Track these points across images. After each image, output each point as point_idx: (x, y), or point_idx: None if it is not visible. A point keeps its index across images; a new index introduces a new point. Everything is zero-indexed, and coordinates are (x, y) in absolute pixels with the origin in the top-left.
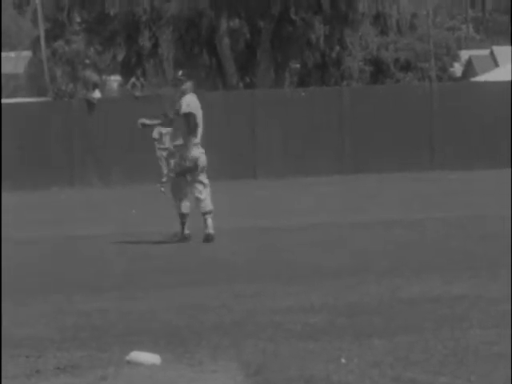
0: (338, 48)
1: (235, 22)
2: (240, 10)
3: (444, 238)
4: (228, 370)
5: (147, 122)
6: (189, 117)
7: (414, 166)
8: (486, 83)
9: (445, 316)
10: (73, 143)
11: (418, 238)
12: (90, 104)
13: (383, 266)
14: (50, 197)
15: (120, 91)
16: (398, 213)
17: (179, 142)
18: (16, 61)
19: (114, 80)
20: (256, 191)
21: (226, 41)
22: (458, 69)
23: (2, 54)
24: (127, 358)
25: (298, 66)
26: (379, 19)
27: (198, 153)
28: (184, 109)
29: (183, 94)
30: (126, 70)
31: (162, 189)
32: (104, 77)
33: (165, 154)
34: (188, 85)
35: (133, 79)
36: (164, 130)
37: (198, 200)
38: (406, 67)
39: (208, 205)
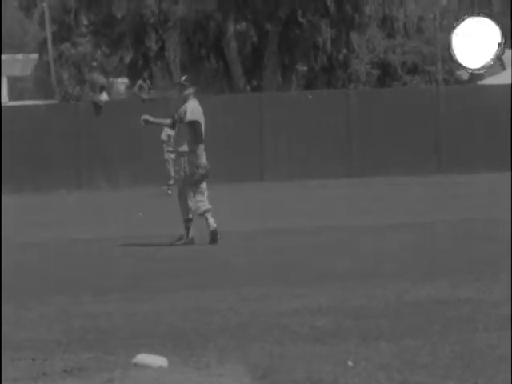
0: (345, 51)
1: (242, 25)
2: (247, 13)
3: (451, 242)
4: (235, 372)
5: (150, 118)
6: (194, 125)
7: (421, 169)
8: (492, 86)
9: (451, 319)
10: (80, 146)
11: (425, 242)
12: (97, 106)
13: (390, 269)
14: (57, 199)
15: (127, 94)
16: (404, 216)
17: (183, 148)
18: (23, 63)
19: (121, 82)
20: (263, 194)
21: (233, 44)
22: (465, 72)
23: (9, 56)
24: (134, 360)
25: (304, 68)
26: (386, 22)
27: (205, 159)
28: (189, 117)
29: (186, 98)
30: (133, 73)
31: (169, 191)
32: (111, 79)
33: (173, 156)
34: (191, 90)
35: (140, 81)
36: (172, 133)
37: (199, 202)
38: (413, 70)
39: (206, 204)
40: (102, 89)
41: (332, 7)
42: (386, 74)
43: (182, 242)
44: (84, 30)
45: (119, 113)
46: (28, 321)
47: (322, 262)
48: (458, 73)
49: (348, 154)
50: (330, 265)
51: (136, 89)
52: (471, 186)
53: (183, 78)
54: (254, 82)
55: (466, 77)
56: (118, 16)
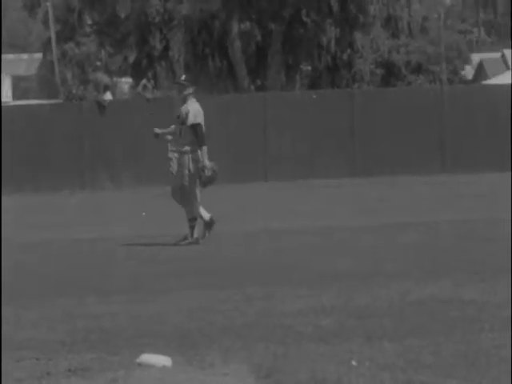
0: (349, 51)
1: (246, 25)
2: (251, 13)
3: (455, 241)
4: (239, 372)
5: (160, 131)
6: (196, 128)
7: (425, 168)
8: (496, 86)
9: (455, 319)
10: (83, 145)
11: (429, 241)
12: (101, 106)
13: (393, 269)
14: (60, 199)
15: (131, 93)
16: (408, 216)
17: (186, 148)
18: (27, 63)
19: (125, 82)
20: (267, 193)
21: (238, 43)
22: (469, 72)
23: (14, 56)
24: (138, 360)
25: (309, 68)
26: (390, 22)
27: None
28: (191, 120)
29: (185, 98)
30: (137, 72)
31: None
32: (115, 79)
33: (176, 155)
34: (190, 90)
35: (144, 81)
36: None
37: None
38: (418, 70)
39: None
40: (106, 88)
41: (336, 7)
42: (390, 73)
43: (187, 242)
44: (88, 29)
45: (123, 112)
46: (32, 321)
47: (325, 261)
48: (463, 72)
49: (352, 154)
50: (334, 264)
51: (140, 88)
52: (475, 185)
53: (182, 77)
54: (258, 82)
55: (470, 76)
56: (122, 16)
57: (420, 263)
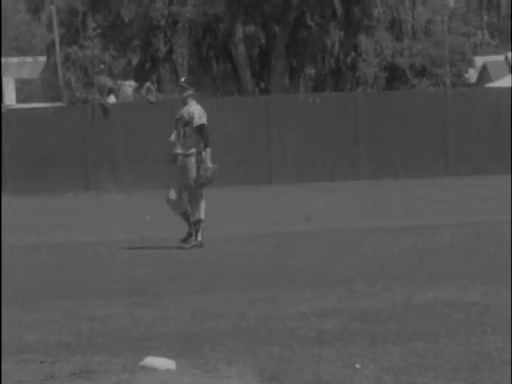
0: (353, 54)
1: (251, 28)
2: (255, 16)
3: (459, 244)
4: (243, 375)
5: (180, 151)
6: (202, 128)
7: (429, 171)
8: (500, 89)
9: (459, 322)
10: (87, 148)
11: (433, 244)
12: (105, 109)
13: (397, 272)
14: (64, 202)
15: (134, 96)
16: (412, 218)
17: (192, 150)
18: (31, 66)
19: (129, 85)
20: (270, 196)
21: (242, 46)
22: (472, 75)
23: (17, 59)
24: (142, 363)
25: (312, 71)
26: (394, 25)
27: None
28: (196, 121)
29: (185, 100)
30: (141, 75)
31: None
32: (119, 82)
33: (181, 157)
34: (190, 92)
35: (147, 84)
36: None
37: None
38: (421, 73)
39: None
40: (110, 91)
41: (340, 10)
42: (394, 76)
43: (191, 245)
44: (92, 32)
45: (127, 115)
46: (36, 323)
47: (329, 264)
48: (466, 75)
49: (356, 157)
50: (338, 267)
51: (144, 91)
52: (479, 188)
53: (182, 79)
54: (262, 85)
55: (473, 79)
56: (126, 19)
57: (424, 266)
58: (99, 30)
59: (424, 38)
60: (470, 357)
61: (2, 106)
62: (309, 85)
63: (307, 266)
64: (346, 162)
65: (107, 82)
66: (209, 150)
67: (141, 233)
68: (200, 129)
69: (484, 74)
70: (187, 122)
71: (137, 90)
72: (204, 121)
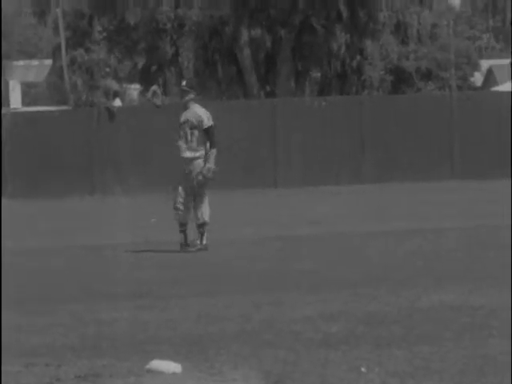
0: (358, 57)
1: (256, 31)
2: (261, 19)
3: (464, 248)
4: (248, 379)
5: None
6: (211, 129)
7: (434, 174)
8: (505, 93)
9: (464, 325)
10: (93, 152)
11: (438, 248)
12: (111, 112)
13: (402, 275)
14: (70, 205)
15: (140, 100)
16: (417, 222)
17: (201, 153)
18: (37, 69)
19: (134, 88)
20: (276, 200)
21: (247, 50)
22: (478, 78)
23: (24, 62)
24: (148, 366)
25: (318, 75)
26: (400, 29)
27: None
28: (206, 123)
29: (187, 103)
30: (147, 79)
31: None
32: (124, 85)
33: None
34: (191, 95)
35: (154, 87)
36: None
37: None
38: (427, 76)
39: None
40: (116, 95)
41: (346, 14)
42: (399, 80)
43: (196, 248)
44: (98, 36)
45: (132, 119)
46: (41, 327)
47: (334, 268)
48: (472, 79)
49: (361, 160)
50: (343, 271)
51: (150, 95)
52: (485, 191)
53: (183, 82)
54: (268, 88)
55: (479, 83)
56: (132, 22)
57: (429, 269)
58: (105, 34)
59: (430, 41)
60: (475, 360)
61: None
62: (314, 88)
63: (312, 270)
64: (352, 166)
65: (113, 85)
66: (214, 151)
67: (145, 236)
68: (208, 131)
69: (490, 77)
70: (195, 126)
71: (142, 93)
72: (212, 122)
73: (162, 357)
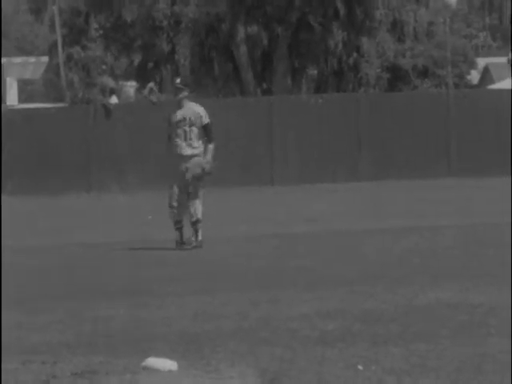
0: (355, 55)
1: (253, 29)
2: (258, 17)
3: (461, 246)
4: (244, 376)
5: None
6: (208, 126)
7: (431, 172)
8: (502, 91)
9: (462, 323)
10: (89, 149)
11: (435, 245)
12: (107, 110)
13: (399, 273)
14: (67, 202)
15: (136, 97)
16: (414, 220)
17: (199, 149)
18: (33, 66)
19: (131, 86)
20: (273, 197)
21: (244, 47)
22: (474, 76)
23: (21, 59)
24: (144, 364)
25: (315, 72)
26: (396, 26)
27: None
28: (204, 119)
29: (181, 101)
30: (143, 76)
31: None
32: (121, 82)
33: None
34: (185, 93)
35: (150, 84)
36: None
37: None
38: (424, 73)
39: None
40: (112, 92)
41: (342, 11)
42: (396, 77)
43: (191, 245)
44: (94, 33)
45: (129, 116)
46: (38, 324)
47: (331, 265)
48: (468, 77)
49: (358, 158)
50: (339, 268)
51: (146, 92)
52: (481, 189)
53: (178, 80)
54: (264, 86)
55: (476, 81)
56: (129, 20)
57: (426, 267)
58: (101, 31)
59: (426, 39)
60: (472, 358)
61: (3, 105)
62: (311, 86)
63: (309, 267)
64: (348, 163)
65: (109, 82)
66: (212, 145)
67: (142, 234)
68: (206, 127)
69: (486, 75)
70: (193, 123)
71: (139, 90)
72: (208, 119)
73: (158, 354)
